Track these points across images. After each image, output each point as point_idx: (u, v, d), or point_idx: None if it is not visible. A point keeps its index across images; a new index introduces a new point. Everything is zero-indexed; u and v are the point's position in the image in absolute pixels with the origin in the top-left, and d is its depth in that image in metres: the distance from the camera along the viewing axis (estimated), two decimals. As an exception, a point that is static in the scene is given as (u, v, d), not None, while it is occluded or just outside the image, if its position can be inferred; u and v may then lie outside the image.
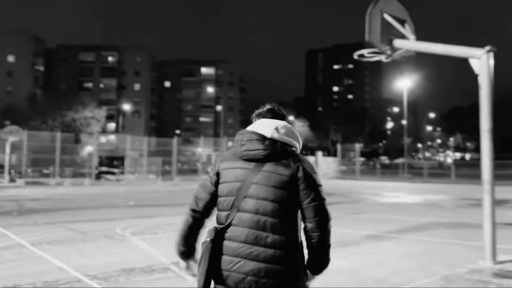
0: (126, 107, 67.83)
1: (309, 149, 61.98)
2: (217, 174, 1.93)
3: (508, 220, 9.87)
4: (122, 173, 32.17)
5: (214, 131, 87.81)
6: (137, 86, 79.74)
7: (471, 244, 7.11)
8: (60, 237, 7.69)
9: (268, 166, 1.81)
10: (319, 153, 39.22)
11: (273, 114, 2.05)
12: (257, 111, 2.13)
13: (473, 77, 5.47)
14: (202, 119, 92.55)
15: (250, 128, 2.01)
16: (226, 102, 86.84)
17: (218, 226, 1.83)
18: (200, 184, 2.02)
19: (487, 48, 5.05)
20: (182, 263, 2.02)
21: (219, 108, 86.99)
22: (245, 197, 1.79)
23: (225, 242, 1.78)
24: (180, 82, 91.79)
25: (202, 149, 42.11)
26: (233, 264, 1.73)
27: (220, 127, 76.92)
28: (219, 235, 1.80)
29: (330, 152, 60.20)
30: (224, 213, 1.84)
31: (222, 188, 1.89)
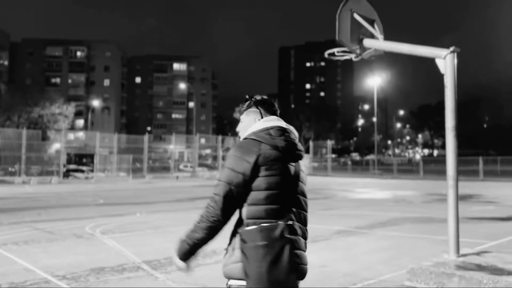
0: (96, 103, 66.33)
1: (281, 146, 62.30)
2: (256, 167, 1.77)
3: (471, 215, 10.27)
4: (92, 171, 31.50)
5: (186, 128, 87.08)
6: (106, 82, 78.05)
7: (436, 238, 7.37)
8: (26, 237, 7.48)
9: (299, 165, 1.94)
10: (292, 150, 39.54)
11: (275, 107, 2.04)
12: (258, 98, 2.02)
13: (440, 76, 5.66)
14: (174, 115, 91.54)
15: (285, 125, 1.95)
16: (198, 99, 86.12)
17: (288, 222, 1.79)
18: (224, 184, 1.78)
19: (451, 48, 5.23)
20: (182, 264, 1.88)
21: (191, 104, 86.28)
22: (297, 194, 1.90)
23: (292, 237, 1.78)
24: (151, 78, 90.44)
25: (174, 146, 41.70)
26: (302, 258, 1.81)
27: (192, 124, 76.32)
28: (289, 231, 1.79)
29: (302, 149, 60.73)
30: (274, 207, 1.78)
31: (269, 181, 1.78)
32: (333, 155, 41.05)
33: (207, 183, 26.14)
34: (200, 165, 41.51)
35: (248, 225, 1.77)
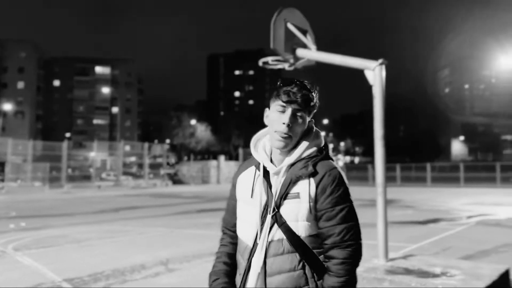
0: (8, 107, 60.96)
1: (211, 153, 61.94)
2: None
3: (394, 219, 10.85)
4: (2, 180, 28.82)
5: (109, 134, 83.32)
6: (20, 84, 72.30)
7: (365, 242, 7.62)
8: None
9: None
10: (222, 157, 39.45)
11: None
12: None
13: (363, 86, 5.89)
14: (96, 121, 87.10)
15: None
16: (123, 104, 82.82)
17: None
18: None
19: (380, 61, 5.45)
20: None
21: (115, 110, 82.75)
22: None
23: None
24: (72, 82, 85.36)
25: (95, 153, 39.59)
26: None
27: (116, 130, 73.14)
28: None
29: (232, 156, 60.86)
30: None
31: None
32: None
33: (132, 193, 25.10)
34: (125, 173, 39.85)
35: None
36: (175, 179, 38.36)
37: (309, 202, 1.47)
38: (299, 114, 1.51)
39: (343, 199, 1.48)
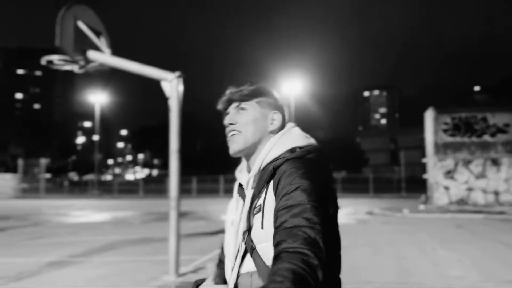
0: None
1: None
2: None
3: (187, 231, 10.99)
4: None
5: None
6: None
7: (156, 258, 7.41)
8: None
9: None
10: (-6, 169, 33.44)
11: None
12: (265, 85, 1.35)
13: (163, 97, 5.78)
14: None
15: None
16: None
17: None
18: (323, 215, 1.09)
19: (177, 73, 5.42)
20: None
21: None
22: None
23: None
24: None
25: None
26: None
27: None
28: None
29: (9, 167, 52.43)
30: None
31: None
32: (48, 175, 37.00)
33: None
34: None
35: None
36: None
37: (273, 213, 1.14)
38: (236, 106, 1.30)
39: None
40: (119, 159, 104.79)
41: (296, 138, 1.27)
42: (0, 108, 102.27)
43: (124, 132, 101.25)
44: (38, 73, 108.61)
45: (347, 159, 66.18)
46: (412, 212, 16.76)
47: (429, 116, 18.81)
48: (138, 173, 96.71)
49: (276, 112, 1.31)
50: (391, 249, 8.54)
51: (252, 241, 1.17)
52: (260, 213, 1.16)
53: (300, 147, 1.23)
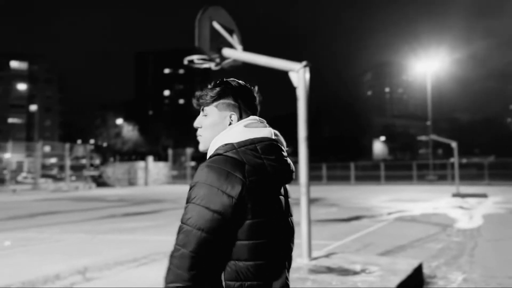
0: None
1: (139, 154, 59.95)
2: (241, 204, 1.22)
3: (318, 217, 11.18)
4: None
5: (26, 134, 77.35)
6: None
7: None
8: None
9: (287, 190, 1.43)
10: (150, 158, 38.24)
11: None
12: (235, 83, 1.39)
13: (292, 88, 5.97)
14: (11, 120, 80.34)
15: (274, 135, 1.39)
16: (42, 102, 77.42)
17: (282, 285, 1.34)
18: (194, 231, 1.25)
19: (304, 63, 5.55)
20: None
21: (33, 108, 77.10)
22: (291, 241, 1.45)
23: None
24: (-17, 77, 78.11)
25: (11, 155, 36.54)
26: None
27: (34, 130, 68.24)
28: None
29: (161, 157, 59.44)
30: (263, 263, 1.31)
31: (256, 225, 1.30)
32: (193, 163, 41.02)
33: (51, 196, 23.50)
34: (44, 176, 37.24)
35: None
36: (100, 182, 36.57)
37: None
38: (202, 110, 1.41)
39: (185, 212, 1.25)
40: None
41: (231, 135, 1.30)
42: (153, 104, 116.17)
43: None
44: (181, 71, 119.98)
45: (496, 142, 59.09)
46: None
47: None
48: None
49: (233, 113, 1.36)
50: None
51: None
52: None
53: (234, 144, 1.27)
